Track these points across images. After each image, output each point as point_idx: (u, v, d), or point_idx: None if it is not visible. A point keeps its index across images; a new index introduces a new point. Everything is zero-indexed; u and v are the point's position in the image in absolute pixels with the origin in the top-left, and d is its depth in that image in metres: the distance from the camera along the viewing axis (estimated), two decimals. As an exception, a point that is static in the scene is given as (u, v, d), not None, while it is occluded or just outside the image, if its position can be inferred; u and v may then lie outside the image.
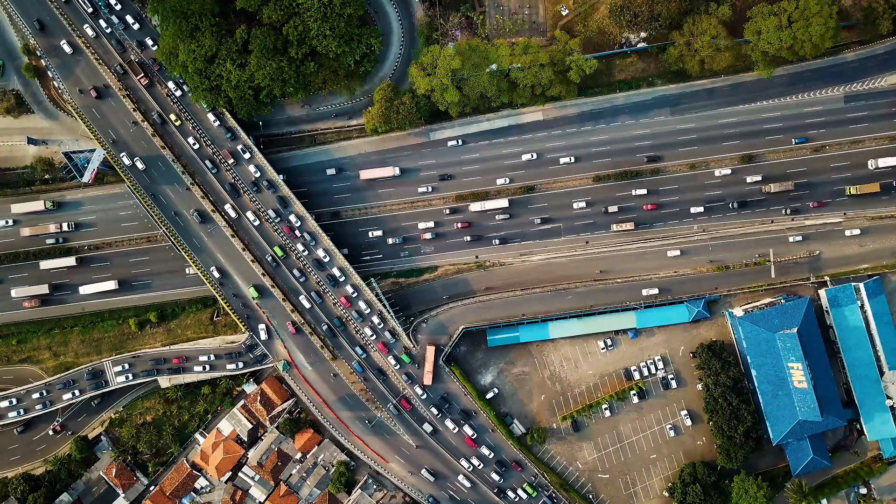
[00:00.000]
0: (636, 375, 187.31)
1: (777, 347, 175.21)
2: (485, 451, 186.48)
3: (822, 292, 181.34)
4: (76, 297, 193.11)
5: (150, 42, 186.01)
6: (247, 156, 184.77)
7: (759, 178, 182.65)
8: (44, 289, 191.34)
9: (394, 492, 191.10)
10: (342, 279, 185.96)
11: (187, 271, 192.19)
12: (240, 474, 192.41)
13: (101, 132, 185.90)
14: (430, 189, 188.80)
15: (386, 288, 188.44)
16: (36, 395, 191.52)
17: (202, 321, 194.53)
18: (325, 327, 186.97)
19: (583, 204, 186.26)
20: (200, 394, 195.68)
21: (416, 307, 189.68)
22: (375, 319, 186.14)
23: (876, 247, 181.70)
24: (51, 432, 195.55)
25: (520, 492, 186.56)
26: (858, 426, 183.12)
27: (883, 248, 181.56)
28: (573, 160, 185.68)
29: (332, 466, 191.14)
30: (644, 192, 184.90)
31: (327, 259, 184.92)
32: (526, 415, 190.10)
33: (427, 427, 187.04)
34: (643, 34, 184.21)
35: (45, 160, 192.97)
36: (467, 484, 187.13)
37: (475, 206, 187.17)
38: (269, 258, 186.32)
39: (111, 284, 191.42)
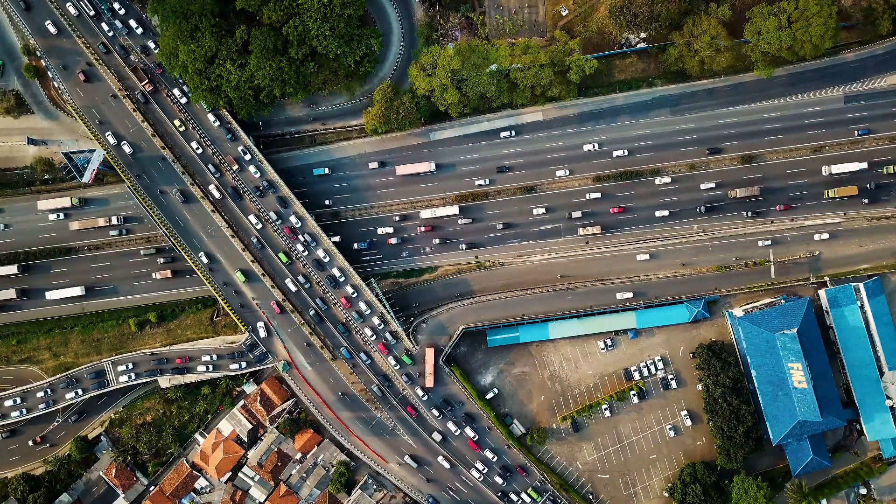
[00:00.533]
0: (636, 376, 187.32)
1: (777, 348, 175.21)
2: (489, 454, 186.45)
3: (821, 292, 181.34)
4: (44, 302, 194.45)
5: (152, 45, 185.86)
6: (248, 157, 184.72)
7: (712, 185, 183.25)
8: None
9: (394, 492, 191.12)
10: (342, 279, 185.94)
11: (154, 276, 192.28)
12: (240, 474, 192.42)
13: (97, 118, 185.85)
14: (487, 181, 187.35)
15: (386, 288, 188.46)
16: (40, 394, 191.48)
17: (202, 321, 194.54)
18: (329, 329, 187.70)
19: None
20: (200, 394, 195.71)
21: (416, 307, 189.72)
22: (376, 320, 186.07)
23: (876, 247, 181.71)
24: (38, 440, 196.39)
25: (524, 496, 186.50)
26: (858, 426, 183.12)
27: (883, 248, 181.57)
28: (626, 153, 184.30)
29: (332, 467, 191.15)
30: (598, 195, 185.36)
31: (327, 259, 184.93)
32: (526, 415, 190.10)
33: (437, 436, 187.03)
34: (643, 34, 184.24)
35: (45, 160, 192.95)
36: (447, 465, 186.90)
37: (425, 214, 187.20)
38: (272, 257, 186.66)
39: (78, 290, 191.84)
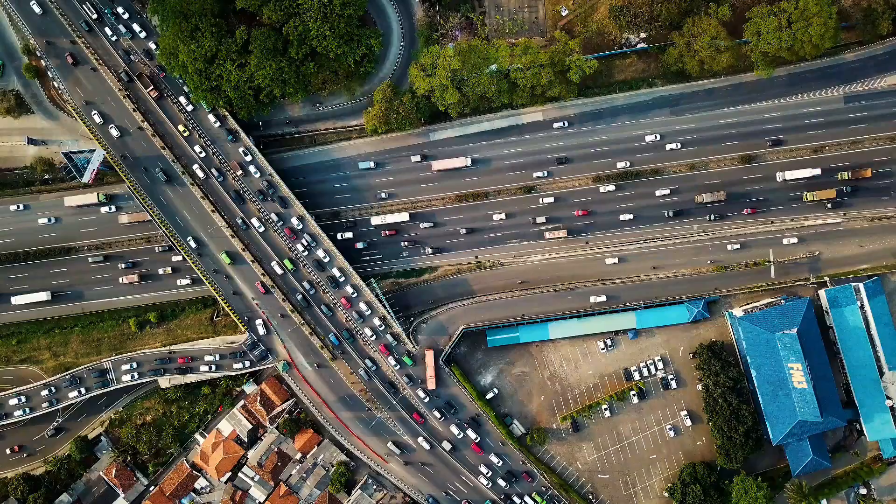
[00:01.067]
0: (636, 376, 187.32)
1: (777, 348, 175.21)
2: (493, 458, 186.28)
3: (821, 293, 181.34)
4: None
5: (153, 47, 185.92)
6: (248, 158, 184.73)
7: (667, 191, 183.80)
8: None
9: (393, 492, 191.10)
10: (342, 279, 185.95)
11: (121, 280, 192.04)
12: (240, 475, 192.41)
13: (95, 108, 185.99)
14: (546, 173, 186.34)
15: (386, 288, 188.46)
16: (44, 393, 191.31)
17: (202, 321, 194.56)
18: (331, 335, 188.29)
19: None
20: (200, 394, 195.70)
21: (416, 307, 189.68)
22: (376, 321, 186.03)
23: (876, 247, 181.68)
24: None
25: (527, 499, 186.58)
26: (858, 426, 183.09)
27: (883, 248, 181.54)
28: (679, 146, 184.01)
29: (332, 467, 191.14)
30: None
31: (327, 259, 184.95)
32: (526, 415, 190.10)
33: (446, 445, 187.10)
34: (643, 35, 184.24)
35: (45, 160, 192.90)
36: (426, 447, 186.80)
37: (376, 221, 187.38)
38: (279, 267, 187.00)
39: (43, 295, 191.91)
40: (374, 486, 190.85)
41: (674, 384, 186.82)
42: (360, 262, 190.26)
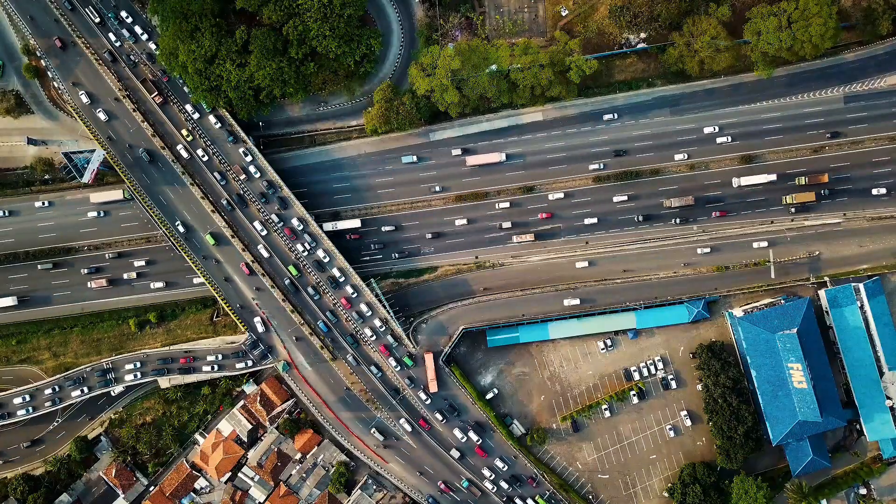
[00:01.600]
0: (636, 376, 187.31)
1: (777, 348, 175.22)
2: (498, 463, 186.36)
3: (821, 293, 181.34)
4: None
5: (154, 48, 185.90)
6: (248, 158, 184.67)
7: (624, 197, 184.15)
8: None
9: (393, 492, 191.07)
10: (342, 279, 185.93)
11: (90, 285, 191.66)
12: (240, 475, 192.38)
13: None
14: (601, 166, 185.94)
15: (386, 288, 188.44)
16: (48, 391, 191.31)
17: (202, 321, 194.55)
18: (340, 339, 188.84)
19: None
20: (200, 394, 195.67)
21: (416, 307, 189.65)
22: (377, 322, 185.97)
23: (876, 247, 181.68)
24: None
25: (530, 502, 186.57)
26: (858, 426, 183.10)
27: (883, 248, 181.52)
28: (730, 139, 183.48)
29: (332, 467, 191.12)
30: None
31: (327, 260, 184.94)
32: (526, 415, 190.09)
33: (455, 453, 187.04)
34: (643, 35, 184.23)
35: (45, 160, 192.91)
36: (408, 428, 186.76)
37: (328, 227, 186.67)
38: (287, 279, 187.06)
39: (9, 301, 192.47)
40: (374, 486, 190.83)
41: (674, 384, 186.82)
42: (360, 262, 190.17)
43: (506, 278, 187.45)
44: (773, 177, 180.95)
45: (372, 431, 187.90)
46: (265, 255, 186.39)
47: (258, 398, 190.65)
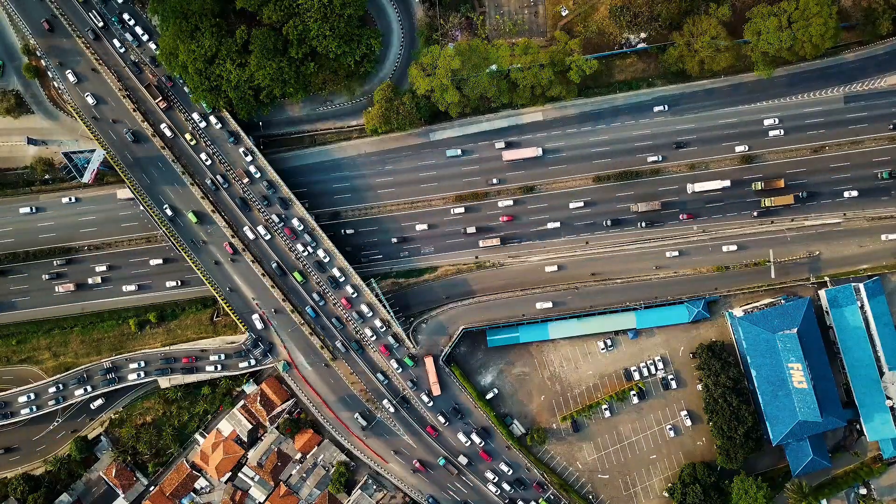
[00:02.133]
0: (636, 376, 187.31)
1: (777, 348, 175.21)
2: (503, 467, 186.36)
3: (821, 293, 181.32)
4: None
5: (155, 48, 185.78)
6: (249, 158, 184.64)
7: (580, 203, 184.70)
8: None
9: (394, 492, 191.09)
10: (342, 279, 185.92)
11: (55, 288, 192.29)
12: (240, 475, 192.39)
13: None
14: (661, 158, 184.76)
15: (386, 288, 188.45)
16: (52, 390, 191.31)
17: (202, 321, 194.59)
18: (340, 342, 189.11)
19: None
20: (200, 394, 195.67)
21: (416, 308, 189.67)
22: (377, 322, 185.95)
23: (876, 247, 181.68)
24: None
25: None
26: (858, 426, 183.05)
27: (883, 248, 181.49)
28: (783, 133, 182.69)
29: (332, 467, 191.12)
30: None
31: (327, 259, 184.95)
32: (526, 415, 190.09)
33: (462, 459, 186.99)
34: (643, 35, 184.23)
35: (45, 160, 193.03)
36: (392, 410, 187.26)
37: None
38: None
39: None
40: (374, 486, 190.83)
41: (674, 384, 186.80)
42: (360, 262, 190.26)
43: (506, 278, 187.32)
44: (727, 183, 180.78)
45: (355, 416, 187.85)
46: (271, 259, 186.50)
47: (258, 398, 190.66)
